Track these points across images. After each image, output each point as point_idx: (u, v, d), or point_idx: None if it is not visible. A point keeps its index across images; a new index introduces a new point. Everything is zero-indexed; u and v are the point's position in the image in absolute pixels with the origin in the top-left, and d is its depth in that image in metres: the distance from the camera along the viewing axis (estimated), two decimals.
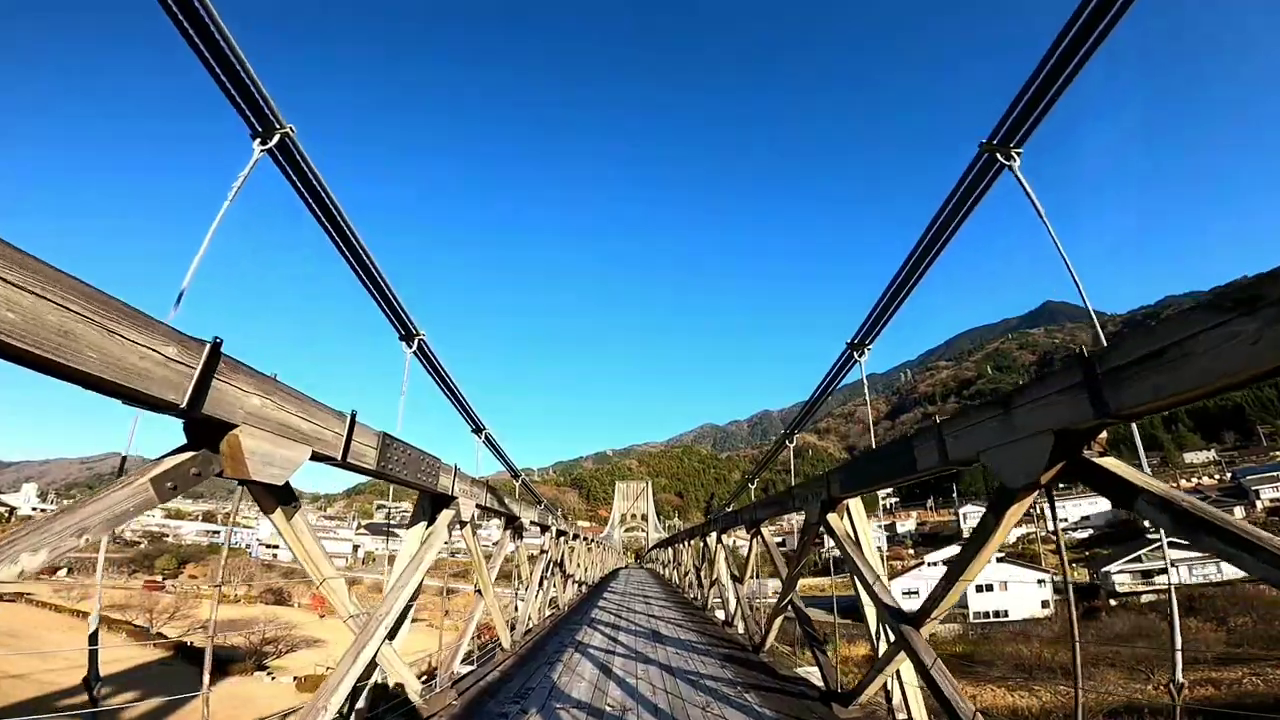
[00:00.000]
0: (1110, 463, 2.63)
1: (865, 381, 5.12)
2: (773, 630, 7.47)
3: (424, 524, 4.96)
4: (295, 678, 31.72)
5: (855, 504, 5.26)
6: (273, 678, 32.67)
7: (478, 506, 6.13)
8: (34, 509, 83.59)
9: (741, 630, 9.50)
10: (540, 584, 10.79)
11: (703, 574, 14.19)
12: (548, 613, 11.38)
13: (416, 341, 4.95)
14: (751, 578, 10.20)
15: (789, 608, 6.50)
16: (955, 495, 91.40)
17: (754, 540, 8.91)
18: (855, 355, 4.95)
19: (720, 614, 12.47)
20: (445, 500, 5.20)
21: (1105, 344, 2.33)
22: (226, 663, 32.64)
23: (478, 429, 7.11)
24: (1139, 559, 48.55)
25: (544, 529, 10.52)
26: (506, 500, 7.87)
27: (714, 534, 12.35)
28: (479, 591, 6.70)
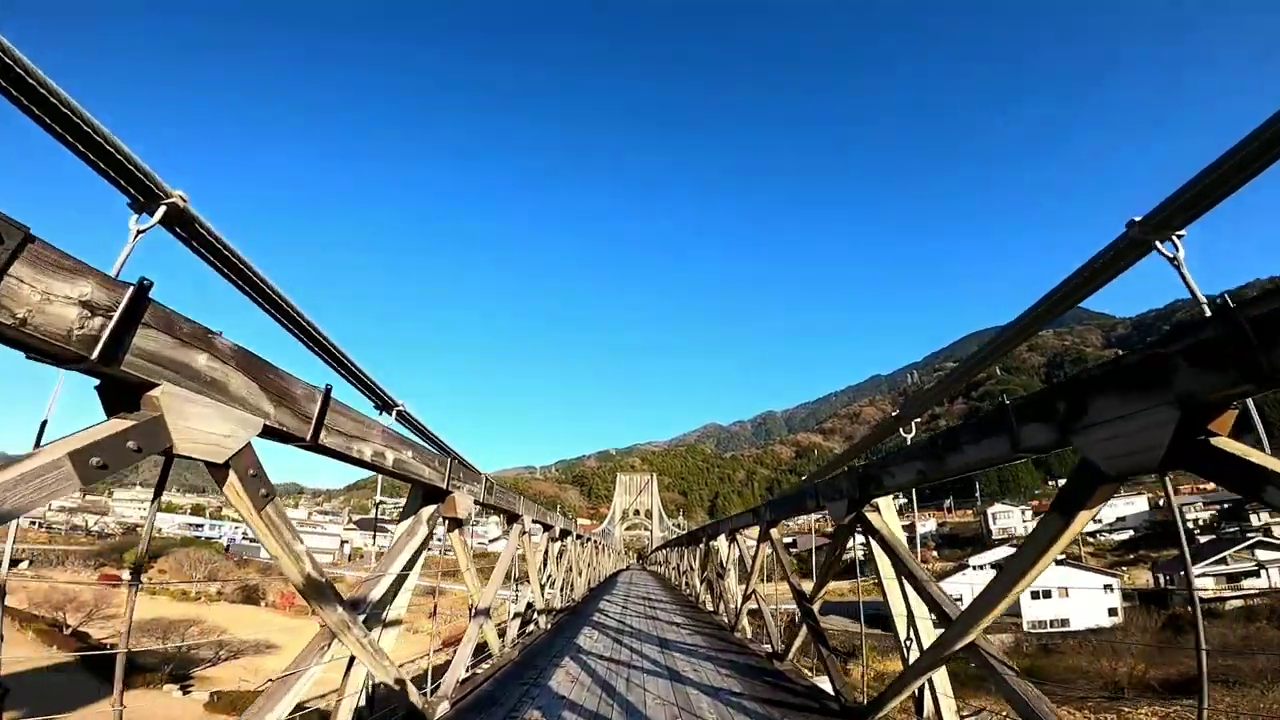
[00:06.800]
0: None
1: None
2: None
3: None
4: (212, 693, 26.83)
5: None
6: (186, 692, 27.90)
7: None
8: None
9: None
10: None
11: (815, 602, 6.31)
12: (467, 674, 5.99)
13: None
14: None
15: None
16: (978, 495, 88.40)
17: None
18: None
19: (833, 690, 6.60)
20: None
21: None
22: (132, 672, 27.25)
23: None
24: (1224, 560, 43.88)
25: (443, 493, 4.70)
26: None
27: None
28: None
